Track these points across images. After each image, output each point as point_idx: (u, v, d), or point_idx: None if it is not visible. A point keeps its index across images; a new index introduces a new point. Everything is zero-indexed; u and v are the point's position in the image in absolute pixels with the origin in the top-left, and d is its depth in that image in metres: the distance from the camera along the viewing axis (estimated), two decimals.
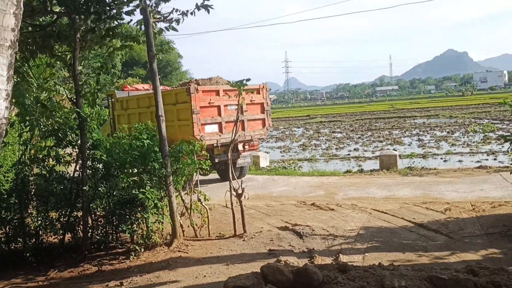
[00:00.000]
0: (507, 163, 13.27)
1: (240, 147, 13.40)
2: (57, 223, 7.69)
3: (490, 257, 6.34)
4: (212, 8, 7.67)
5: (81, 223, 7.73)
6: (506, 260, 6.16)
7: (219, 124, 12.60)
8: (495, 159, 16.30)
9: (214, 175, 14.93)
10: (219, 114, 12.62)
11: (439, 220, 8.26)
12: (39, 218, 7.68)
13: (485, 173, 12.67)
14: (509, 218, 8.10)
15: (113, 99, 15.57)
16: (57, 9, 7.57)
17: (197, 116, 12.03)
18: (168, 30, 7.84)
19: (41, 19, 7.91)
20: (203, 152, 8.59)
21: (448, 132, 26.21)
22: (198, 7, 7.71)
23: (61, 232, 7.79)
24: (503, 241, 7.02)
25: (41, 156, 7.70)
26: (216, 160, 12.82)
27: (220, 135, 12.50)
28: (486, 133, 22.78)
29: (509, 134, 8.45)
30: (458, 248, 6.79)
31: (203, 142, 10.35)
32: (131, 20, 7.59)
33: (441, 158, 17.37)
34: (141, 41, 7.91)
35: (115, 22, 7.39)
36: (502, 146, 17.80)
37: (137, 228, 7.69)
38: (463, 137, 23.32)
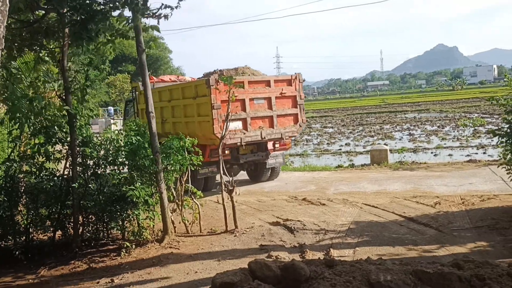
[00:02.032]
0: (496, 157, 13.38)
1: (270, 146, 12.10)
2: (47, 220, 7.65)
3: (478, 250, 6.42)
4: None
5: (72, 220, 7.69)
6: (494, 253, 6.24)
7: (243, 120, 11.01)
8: (484, 153, 16.44)
9: (241, 176, 13.18)
10: (244, 109, 11.00)
11: (429, 214, 8.34)
12: (29, 216, 7.63)
13: (474, 167, 12.79)
14: (497, 211, 8.19)
15: (137, 92, 14.21)
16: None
17: (217, 112, 10.44)
18: (153, 30, 7.79)
19: (29, 15, 7.83)
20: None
21: (438, 127, 26.37)
22: None
23: (51, 229, 7.75)
24: (492, 234, 7.10)
25: (30, 153, 7.64)
26: (242, 161, 11.74)
27: (244, 133, 10.92)
28: (476, 127, 22.95)
29: (498, 128, 8.52)
30: (447, 242, 6.86)
31: (225, 141, 9.95)
32: (119, 15, 7.51)
33: (432, 153, 17.48)
34: (130, 37, 7.85)
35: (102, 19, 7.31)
36: (492, 140, 17.94)
37: (128, 225, 7.68)
38: (453, 131, 23.49)
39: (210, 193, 10.82)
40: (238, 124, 10.89)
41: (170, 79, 14.83)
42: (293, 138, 12.94)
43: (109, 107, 55.58)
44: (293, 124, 11.81)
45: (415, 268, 3.35)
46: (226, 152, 11.11)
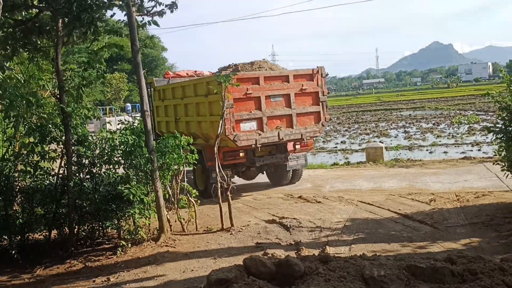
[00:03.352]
0: (491, 154, 13.42)
1: (289, 147, 11.10)
2: (42, 219, 7.63)
3: (473, 246, 6.46)
4: None
5: (67, 219, 7.67)
6: (488, 249, 6.28)
7: (258, 120, 10.02)
8: (479, 150, 16.51)
9: (259, 180, 12.41)
10: (259, 108, 10.02)
11: (424, 211, 8.37)
12: (24, 215, 7.60)
13: (469, 164, 12.85)
14: (492, 208, 8.24)
15: (151, 88, 13.27)
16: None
17: (229, 111, 9.56)
18: (150, 25, 7.77)
19: (23, 13, 7.79)
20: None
21: (433, 124, 26.45)
22: None
23: (46, 228, 7.74)
24: (486, 230, 7.15)
25: (25, 152, 7.61)
26: (258, 164, 10.80)
27: (260, 134, 9.97)
28: (470, 125, 23.03)
29: (492, 125, 8.56)
30: (442, 238, 6.90)
31: (238, 143, 9.57)
32: (114, 14, 7.51)
33: (427, 150, 17.54)
34: (124, 35, 7.83)
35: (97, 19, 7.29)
36: (486, 137, 18.01)
37: (124, 224, 7.67)
38: (449, 129, 23.56)
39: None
40: (253, 124, 10.01)
41: (187, 74, 13.72)
42: (315, 138, 11.73)
43: (127, 104, 55.75)
44: (315, 123, 10.78)
45: (408, 263, 3.38)
46: (241, 154, 10.38)
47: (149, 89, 13.16)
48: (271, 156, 10.83)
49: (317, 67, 10.77)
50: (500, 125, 8.28)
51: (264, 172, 11.85)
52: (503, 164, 8.17)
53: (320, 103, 10.78)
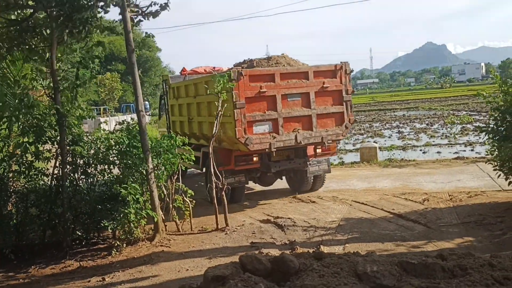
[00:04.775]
0: (483, 154, 13.53)
1: (310, 151, 10.13)
2: (37, 220, 7.62)
3: (465, 245, 6.53)
4: None
5: (62, 219, 7.67)
6: (481, 248, 6.36)
7: (273, 121, 9.05)
8: (472, 150, 16.63)
9: (278, 185, 11.49)
10: (274, 108, 9.06)
11: (417, 211, 8.45)
12: (19, 215, 7.60)
13: (462, 164, 12.96)
14: (485, 207, 8.33)
15: (166, 86, 12.58)
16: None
17: (241, 112, 8.68)
18: (144, 20, 7.78)
19: (16, 13, 7.78)
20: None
21: (427, 124, 26.58)
22: None
23: (41, 228, 7.73)
24: (479, 229, 7.23)
25: (19, 152, 7.61)
26: (274, 170, 9.85)
27: (275, 137, 9.00)
28: (463, 125, 23.17)
29: (485, 125, 8.65)
30: (435, 237, 6.97)
31: (250, 147, 8.76)
32: (108, 11, 7.51)
33: (420, 150, 17.63)
34: (118, 33, 7.84)
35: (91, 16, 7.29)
36: (479, 137, 18.15)
37: (119, 224, 7.67)
38: (442, 129, 23.69)
39: (201, 192, 10.65)
40: (267, 127, 9.04)
41: (205, 70, 12.87)
42: (337, 141, 10.65)
43: (145, 102, 55.89)
44: (337, 125, 9.66)
45: (400, 259, 3.45)
46: (254, 159, 9.50)
47: (164, 87, 12.84)
48: (289, 161, 9.92)
49: (341, 62, 9.78)
50: (492, 125, 8.37)
51: (284, 177, 10.98)
52: (495, 164, 8.25)
53: (344, 103, 9.72)
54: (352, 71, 9.93)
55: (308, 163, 10.09)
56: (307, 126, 9.35)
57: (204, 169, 10.39)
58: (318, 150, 10.13)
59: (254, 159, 9.52)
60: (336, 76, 9.65)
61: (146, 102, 56.48)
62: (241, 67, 9.27)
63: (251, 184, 11.06)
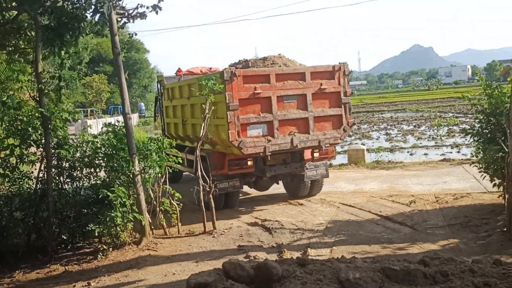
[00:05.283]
0: (469, 156, 13.69)
1: (307, 154, 9.80)
2: (21, 224, 7.53)
3: (451, 247, 6.59)
4: None
5: (47, 223, 7.59)
6: (466, 250, 6.42)
7: (268, 124, 8.78)
8: (458, 151, 16.80)
9: (274, 190, 11.00)
10: (269, 110, 8.78)
11: (404, 213, 8.51)
12: (3, 219, 7.49)
13: (448, 166, 13.08)
14: (470, 209, 8.41)
15: (161, 86, 12.25)
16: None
17: (234, 114, 8.42)
18: (128, 22, 7.73)
19: (1, 15, 7.69)
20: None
21: (414, 126, 26.81)
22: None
23: (26, 232, 7.63)
24: (464, 231, 7.30)
25: (3, 155, 7.51)
26: (269, 174, 9.49)
27: (270, 140, 8.72)
28: (450, 127, 23.40)
29: (470, 128, 8.74)
30: (421, 239, 7.02)
31: (244, 151, 8.49)
32: (94, 19, 7.45)
33: (408, 152, 17.76)
34: (103, 35, 7.79)
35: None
36: (466, 139, 18.35)
37: (105, 227, 7.60)
38: (429, 131, 23.90)
39: (189, 194, 10.48)
40: (262, 129, 8.75)
41: (201, 71, 12.48)
42: (335, 145, 10.20)
43: (140, 103, 55.55)
44: (335, 128, 9.38)
45: (383, 265, 3.47)
46: (249, 163, 9.18)
47: (159, 88, 12.52)
48: (285, 165, 9.59)
49: (339, 63, 9.49)
50: (477, 128, 8.46)
51: (280, 182, 10.59)
52: (481, 166, 8.34)
53: (342, 105, 9.43)
54: (351, 72, 9.68)
55: (305, 167, 9.77)
56: (304, 129, 9.10)
57: (198, 173, 9.96)
58: (316, 154, 9.84)
59: (249, 163, 9.22)
60: (334, 77, 9.41)
61: (142, 104, 56.25)
62: (235, 67, 9.06)
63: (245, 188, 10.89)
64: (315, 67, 9.35)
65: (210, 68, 12.73)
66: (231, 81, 8.41)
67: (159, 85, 12.57)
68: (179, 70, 12.83)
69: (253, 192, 11.33)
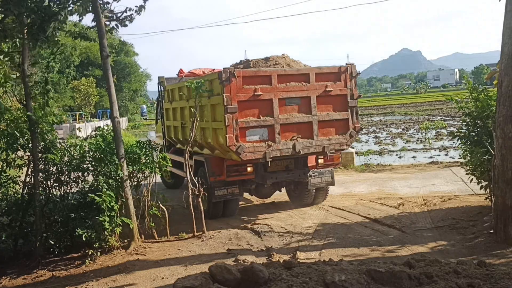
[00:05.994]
0: (457, 158, 13.82)
1: (311, 161, 9.29)
2: (8, 228, 7.44)
3: (439, 249, 6.64)
4: None
5: (34, 228, 7.50)
6: (454, 252, 6.47)
7: (269, 128, 8.30)
8: (446, 154, 16.96)
9: (277, 197, 10.66)
10: (271, 113, 8.30)
11: (392, 215, 8.56)
12: None
13: (436, 168, 13.20)
14: (458, 211, 8.49)
15: (162, 88, 11.83)
16: None
17: (232, 117, 7.95)
18: (118, 25, 7.71)
19: None
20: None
21: (403, 129, 27.01)
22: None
23: (12, 237, 7.54)
24: (452, 233, 7.36)
25: None
26: (270, 182, 9.01)
27: (270, 145, 8.25)
28: (438, 130, 23.61)
29: (457, 130, 8.82)
30: (409, 242, 7.06)
31: (242, 156, 8.06)
32: (82, 19, 7.42)
33: (396, 155, 17.89)
34: (91, 39, 7.75)
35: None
36: (453, 142, 18.53)
37: (93, 232, 7.54)
38: (417, 134, 24.10)
39: (177, 198, 10.40)
40: (262, 134, 8.27)
41: (203, 72, 11.89)
42: (340, 151, 9.63)
43: (142, 106, 55.10)
44: (341, 133, 8.85)
45: (368, 267, 3.50)
46: (248, 169, 8.69)
47: (160, 90, 12.11)
48: (287, 172, 9.07)
49: (346, 64, 8.98)
50: (464, 131, 8.54)
51: (283, 190, 10.09)
52: (468, 168, 8.41)
53: (349, 109, 8.87)
54: (359, 73, 9.12)
55: (308, 174, 9.21)
56: (307, 134, 8.57)
57: (196, 178, 8.89)
58: (320, 161, 9.27)
59: (248, 169, 8.71)
60: (341, 79, 8.85)
61: (144, 106, 55.79)
62: (233, 68, 8.71)
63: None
64: (320, 68, 8.89)
65: (213, 70, 12.16)
66: (230, 82, 7.96)
67: (160, 87, 12.16)
68: (180, 71, 12.48)
69: (245, 196, 11.32)
